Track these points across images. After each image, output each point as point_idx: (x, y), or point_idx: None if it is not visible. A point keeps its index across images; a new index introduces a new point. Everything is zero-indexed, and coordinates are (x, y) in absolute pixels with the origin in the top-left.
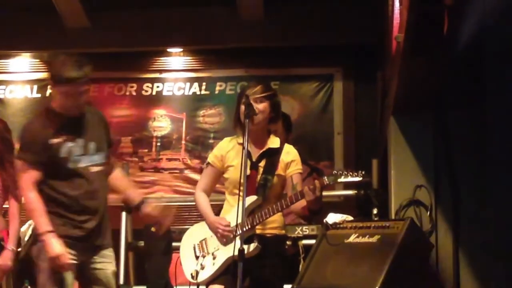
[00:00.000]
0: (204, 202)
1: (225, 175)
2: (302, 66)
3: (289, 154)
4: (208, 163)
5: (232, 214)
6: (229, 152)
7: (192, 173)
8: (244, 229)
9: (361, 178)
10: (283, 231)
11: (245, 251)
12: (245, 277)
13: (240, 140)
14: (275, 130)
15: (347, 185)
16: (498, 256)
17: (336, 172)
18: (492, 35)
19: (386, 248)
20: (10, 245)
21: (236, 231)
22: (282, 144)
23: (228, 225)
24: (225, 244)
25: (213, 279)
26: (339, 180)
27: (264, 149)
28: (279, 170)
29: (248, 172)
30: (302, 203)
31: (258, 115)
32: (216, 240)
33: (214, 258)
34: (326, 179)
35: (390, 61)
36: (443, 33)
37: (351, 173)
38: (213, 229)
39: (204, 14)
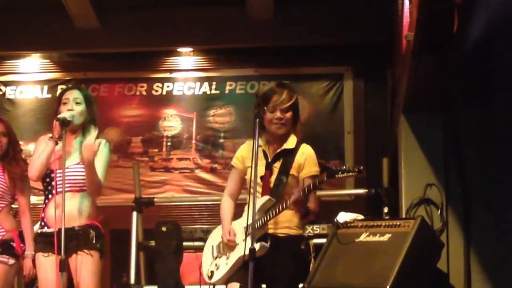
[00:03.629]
0: (225, 208)
1: (246, 176)
2: (312, 65)
3: (304, 154)
4: (232, 166)
5: (245, 215)
6: (249, 152)
7: (202, 172)
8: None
9: (356, 172)
10: (300, 231)
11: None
12: (258, 276)
13: (260, 142)
14: (296, 133)
15: (358, 184)
16: (509, 255)
17: (334, 167)
18: (501, 33)
19: (397, 247)
20: (28, 250)
21: (247, 231)
22: (298, 144)
23: (232, 240)
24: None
25: (228, 278)
26: (336, 176)
27: (279, 150)
28: (293, 171)
29: (263, 172)
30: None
31: (283, 128)
32: None
33: (227, 259)
34: (325, 176)
35: (400, 59)
36: (453, 31)
37: (347, 168)
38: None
39: (214, 14)
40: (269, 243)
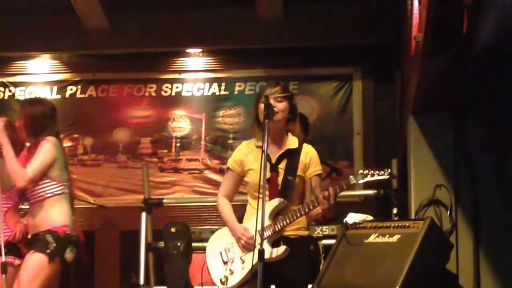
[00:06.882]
0: (226, 209)
1: (246, 179)
2: (321, 66)
3: (308, 154)
4: (228, 168)
5: (256, 218)
6: (247, 155)
7: (211, 173)
8: (269, 234)
9: (388, 177)
10: (307, 232)
11: (274, 254)
12: (269, 278)
13: (258, 143)
14: (293, 131)
15: (367, 185)
16: None
17: (362, 171)
18: (510, 35)
19: (406, 248)
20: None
21: (262, 235)
22: (300, 144)
23: (252, 238)
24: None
25: (242, 284)
26: (365, 179)
27: (283, 151)
28: (299, 171)
29: (268, 174)
30: (318, 209)
31: (278, 114)
32: None
33: (243, 263)
34: (353, 179)
35: (409, 60)
36: (462, 32)
37: (377, 172)
38: (236, 237)
39: (223, 15)
40: (286, 245)
